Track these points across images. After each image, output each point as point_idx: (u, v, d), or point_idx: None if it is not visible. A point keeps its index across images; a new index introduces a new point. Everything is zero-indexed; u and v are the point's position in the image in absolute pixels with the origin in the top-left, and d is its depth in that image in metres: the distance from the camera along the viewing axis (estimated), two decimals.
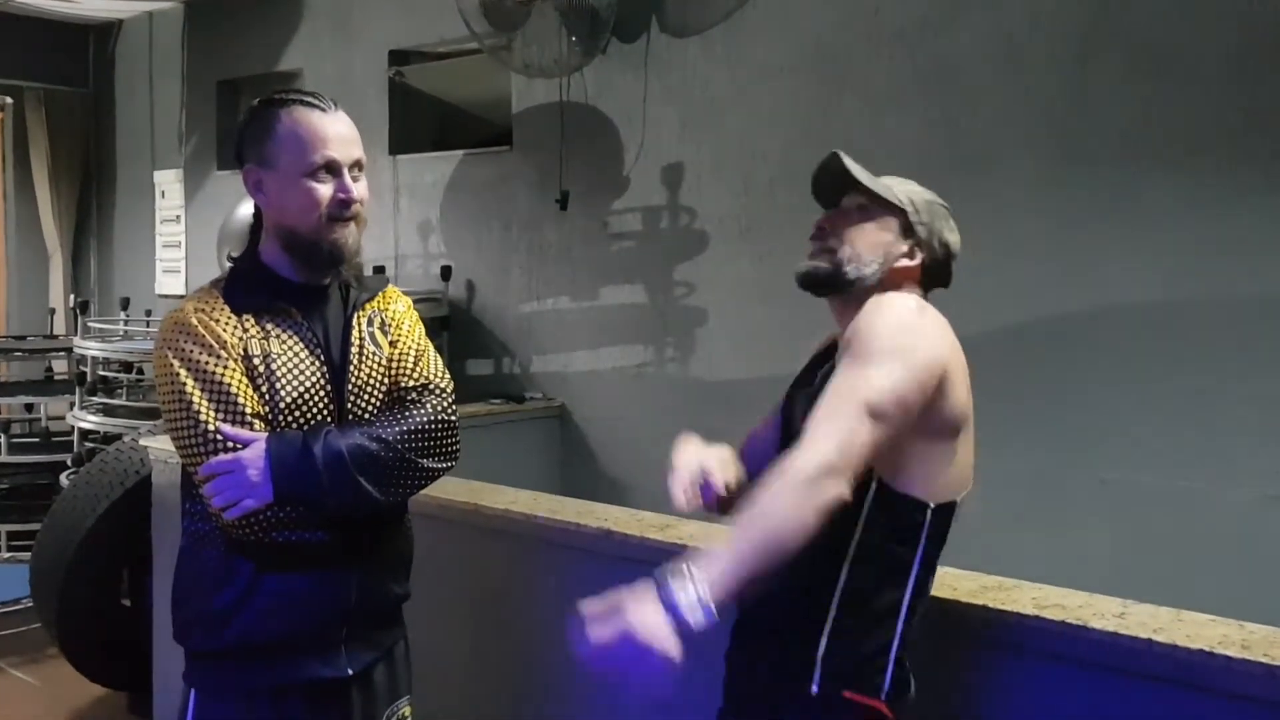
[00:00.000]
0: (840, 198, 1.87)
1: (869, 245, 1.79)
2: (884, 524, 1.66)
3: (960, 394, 1.67)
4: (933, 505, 1.68)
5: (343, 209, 1.90)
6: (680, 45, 4.49)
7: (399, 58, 5.61)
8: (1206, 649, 1.65)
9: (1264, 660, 1.61)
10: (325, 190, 1.88)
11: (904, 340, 1.61)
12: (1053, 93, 3.61)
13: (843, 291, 1.79)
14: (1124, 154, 3.47)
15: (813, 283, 1.81)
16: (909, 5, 3.90)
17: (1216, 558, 3.29)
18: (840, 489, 1.50)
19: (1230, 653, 1.63)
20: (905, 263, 1.80)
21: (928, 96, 3.86)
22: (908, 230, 1.80)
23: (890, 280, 1.78)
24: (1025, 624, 1.83)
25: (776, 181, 4.20)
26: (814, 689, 1.65)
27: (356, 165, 1.93)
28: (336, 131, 1.90)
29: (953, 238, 1.85)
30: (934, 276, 1.84)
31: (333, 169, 1.89)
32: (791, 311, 3.84)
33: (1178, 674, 1.68)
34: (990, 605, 1.88)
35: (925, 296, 1.81)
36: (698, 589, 1.40)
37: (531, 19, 4.44)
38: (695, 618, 1.38)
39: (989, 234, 3.71)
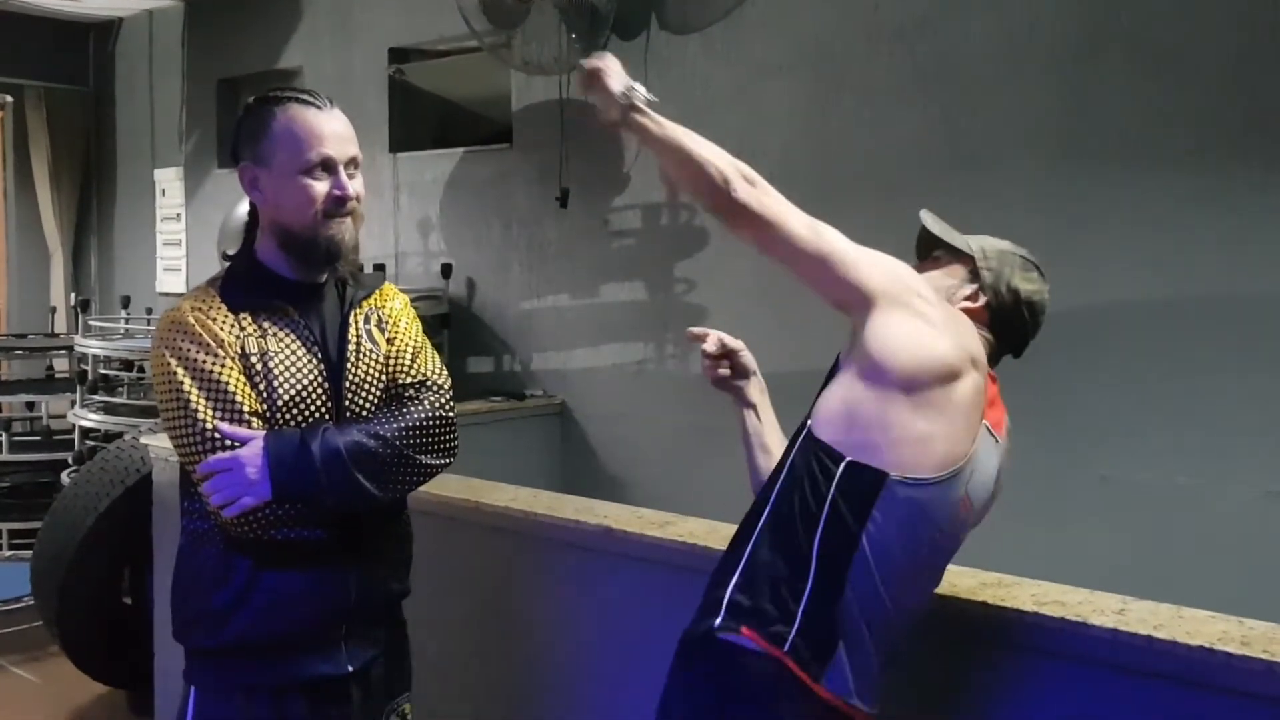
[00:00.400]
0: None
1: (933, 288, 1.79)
2: (839, 485, 1.60)
3: (940, 353, 1.63)
4: (893, 475, 1.59)
5: (339, 205, 1.90)
6: (680, 43, 4.49)
7: (399, 55, 5.61)
8: (1206, 645, 1.65)
9: (1264, 657, 1.61)
10: (321, 187, 1.88)
11: (913, 285, 1.69)
12: (1053, 91, 3.60)
13: None
14: (1124, 153, 3.47)
15: None
16: (908, 3, 3.89)
17: (1216, 554, 3.29)
18: (746, 190, 1.74)
19: (1230, 649, 1.63)
20: (967, 304, 1.82)
21: (927, 95, 3.85)
22: (974, 275, 1.86)
23: None
24: (1025, 621, 1.83)
25: (776, 179, 4.12)
26: (715, 623, 1.60)
27: (352, 162, 1.93)
28: (332, 129, 1.90)
29: (1027, 286, 1.87)
30: (1006, 324, 1.85)
31: (328, 166, 1.89)
32: (791, 309, 3.85)
33: (1178, 671, 1.68)
34: (990, 602, 1.88)
35: (994, 354, 1.83)
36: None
37: (531, 16, 4.44)
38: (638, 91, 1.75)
39: (987, 230, 3.71)
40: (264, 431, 1.84)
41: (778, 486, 1.67)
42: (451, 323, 5.15)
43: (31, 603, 4.31)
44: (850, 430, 1.62)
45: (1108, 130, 3.50)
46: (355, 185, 1.93)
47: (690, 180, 1.74)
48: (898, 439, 1.59)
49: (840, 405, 1.65)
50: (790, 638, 1.56)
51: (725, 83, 4.36)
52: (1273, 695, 1.60)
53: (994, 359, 1.83)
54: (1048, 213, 3.61)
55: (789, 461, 1.68)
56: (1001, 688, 1.90)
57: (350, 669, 1.96)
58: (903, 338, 1.62)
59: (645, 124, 1.75)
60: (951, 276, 1.87)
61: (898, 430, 1.60)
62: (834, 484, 1.59)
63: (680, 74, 4.49)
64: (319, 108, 1.90)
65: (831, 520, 1.59)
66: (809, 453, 1.64)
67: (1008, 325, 1.85)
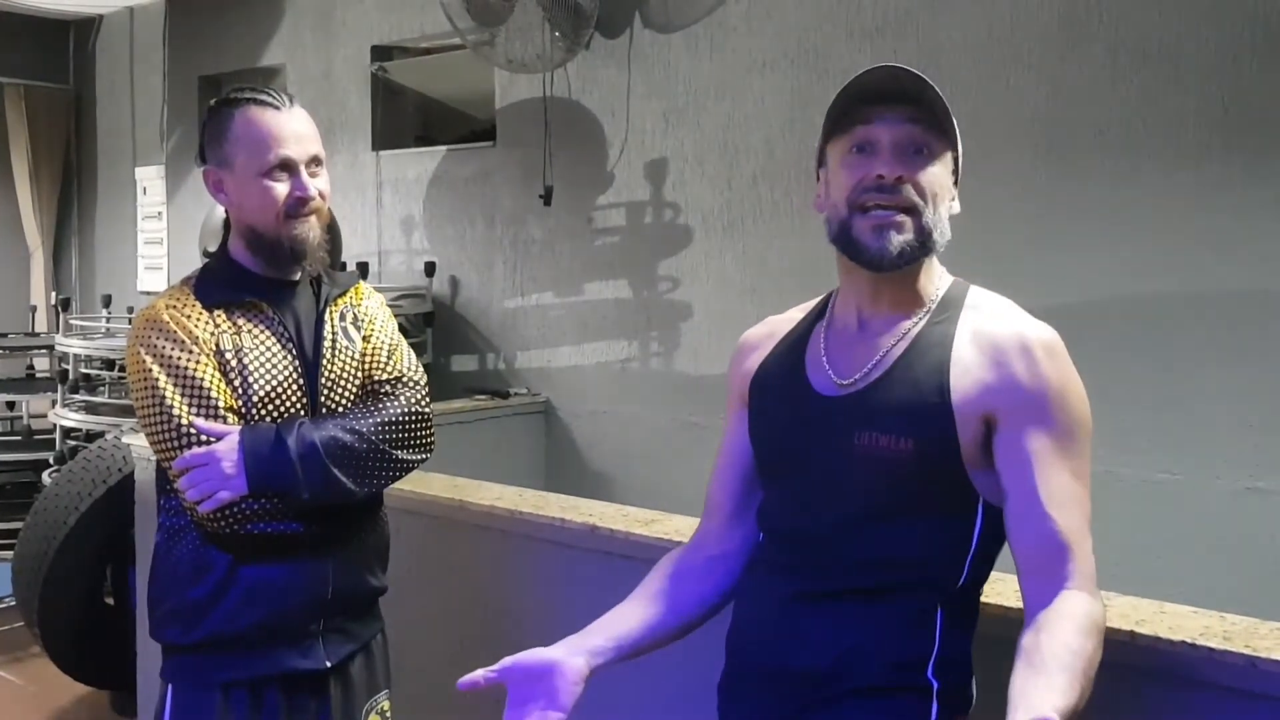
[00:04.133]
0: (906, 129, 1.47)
1: (944, 200, 1.50)
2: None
3: None
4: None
5: (299, 206, 1.90)
6: (663, 40, 4.49)
7: (382, 53, 5.59)
8: (1189, 641, 1.66)
9: (1245, 651, 1.61)
10: (281, 189, 1.89)
11: (1087, 410, 1.49)
12: (1035, 87, 3.61)
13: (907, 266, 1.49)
14: (1104, 148, 3.48)
15: (901, 264, 1.47)
16: None
17: (1196, 549, 3.30)
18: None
19: (1213, 644, 1.64)
20: (955, 207, 1.53)
21: None
22: (956, 164, 1.53)
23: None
24: (1009, 618, 1.83)
25: (760, 176, 4.20)
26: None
27: (314, 161, 1.93)
28: (292, 129, 1.90)
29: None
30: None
31: (288, 167, 1.89)
32: (776, 305, 3.85)
33: (1159, 666, 1.69)
34: None
35: None
36: None
37: (514, 14, 4.43)
38: None
39: (968, 227, 3.72)
40: (240, 427, 1.84)
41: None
42: (435, 321, 5.14)
43: (12, 603, 4.29)
44: None
45: (1089, 125, 3.51)
46: (318, 184, 1.93)
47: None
48: None
49: None
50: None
51: (709, 80, 4.36)
52: (1254, 690, 1.61)
53: None
54: (1030, 208, 3.62)
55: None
56: (982, 684, 1.90)
57: (329, 664, 1.96)
58: None
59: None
60: (947, 175, 1.52)
61: None
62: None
63: (664, 72, 4.49)
64: (277, 108, 1.90)
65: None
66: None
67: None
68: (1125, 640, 1.70)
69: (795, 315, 1.69)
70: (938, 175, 1.49)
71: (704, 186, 4.38)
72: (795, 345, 1.62)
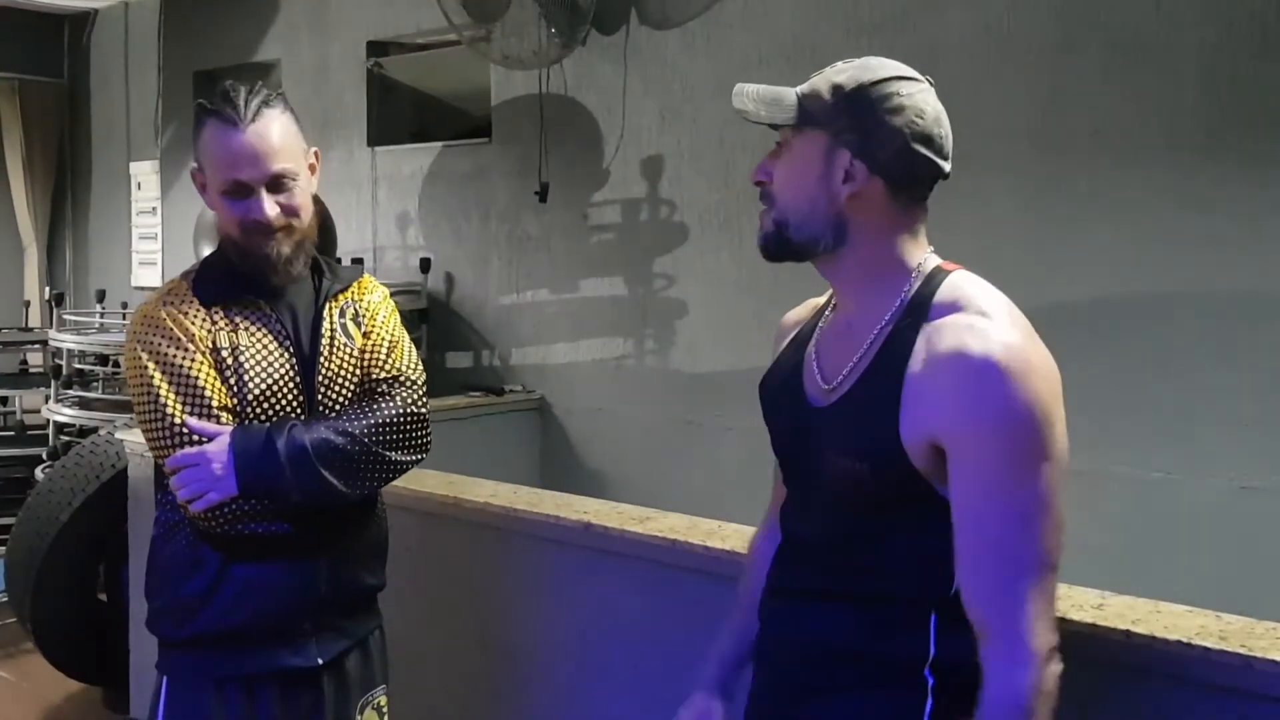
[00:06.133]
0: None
1: (797, 188, 1.45)
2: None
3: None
4: None
5: (256, 228, 1.86)
6: (660, 37, 4.48)
7: (377, 49, 5.58)
8: (1184, 640, 1.66)
9: (1241, 651, 1.61)
10: (238, 210, 1.86)
11: (1045, 426, 1.31)
12: (1031, 85, 3.61)
13: (811, 258, 1.48)
14: (1101, 147, 3.48)
15: (770, 255, 1.51)
16: None
17: (1190, 549, 3.31)
18: (1061, 664, 1.32)
19: (1208, 644, 1.64)
20: (849, 188, 1.41)
21: None
22: (836, 141, 1.42)
23: (861, 219, 1.44)
24: None
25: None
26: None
27: (279, 178, 1.86)
28: (248, 151, 1.83)
29: (897, 118, 1.40)
30: (909, 175, 1.43)
31: (244, 190, 1.85)
32: (772, 303, 3.84)
33: (1155, 665, 1.69)
34: None
35: (917, 208, 1.46)
36: None
37: (510, 10, 4.42)
38: None
39: (964, 226, 3.72)
40: (231, 427, 1.84)
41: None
42: (430, 317, 5.13)
43: (5, 599, 4.28)
44: None
45: (1085, 123, 3.51)
46: (285, 198, 1.87)
47: None
48: None
49: None
50: None
51: (705, 76, 4.35)
52: (1250, 690, 1.61)
53: (926, 198, 1.47)
54: (1025, 207, 3.62)
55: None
56: None
57: (320, 661, 1.96)
58: None
59: None
60: (810, 156, 1.44)
61: None
62: None
63: (660, 68, 4.48)
64: (235, 125, 1.83)
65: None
66: None
67: (909, 176, 1.43)
68: (1120, 640, 1.70)
69: (821, 301, 1.66)
70: (786, 165, 1.47)
71: (700, 183, 4.37)
72: (800, 344, 1.61)
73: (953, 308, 1.39)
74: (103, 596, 4.08)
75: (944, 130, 1.44)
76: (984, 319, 1.36)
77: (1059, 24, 3.55)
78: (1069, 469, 1.35)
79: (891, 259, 1.45)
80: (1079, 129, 3.52)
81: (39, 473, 4.89)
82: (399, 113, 5.67)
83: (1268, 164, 3.20)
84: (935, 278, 1.44)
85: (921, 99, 1.42)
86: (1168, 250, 3.37)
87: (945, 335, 1.36)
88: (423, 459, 2.00)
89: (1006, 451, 1.30)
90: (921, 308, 1.41)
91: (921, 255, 1.46)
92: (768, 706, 1.56)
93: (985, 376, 1.31)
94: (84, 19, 7.44)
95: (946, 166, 1.45)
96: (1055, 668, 1.32)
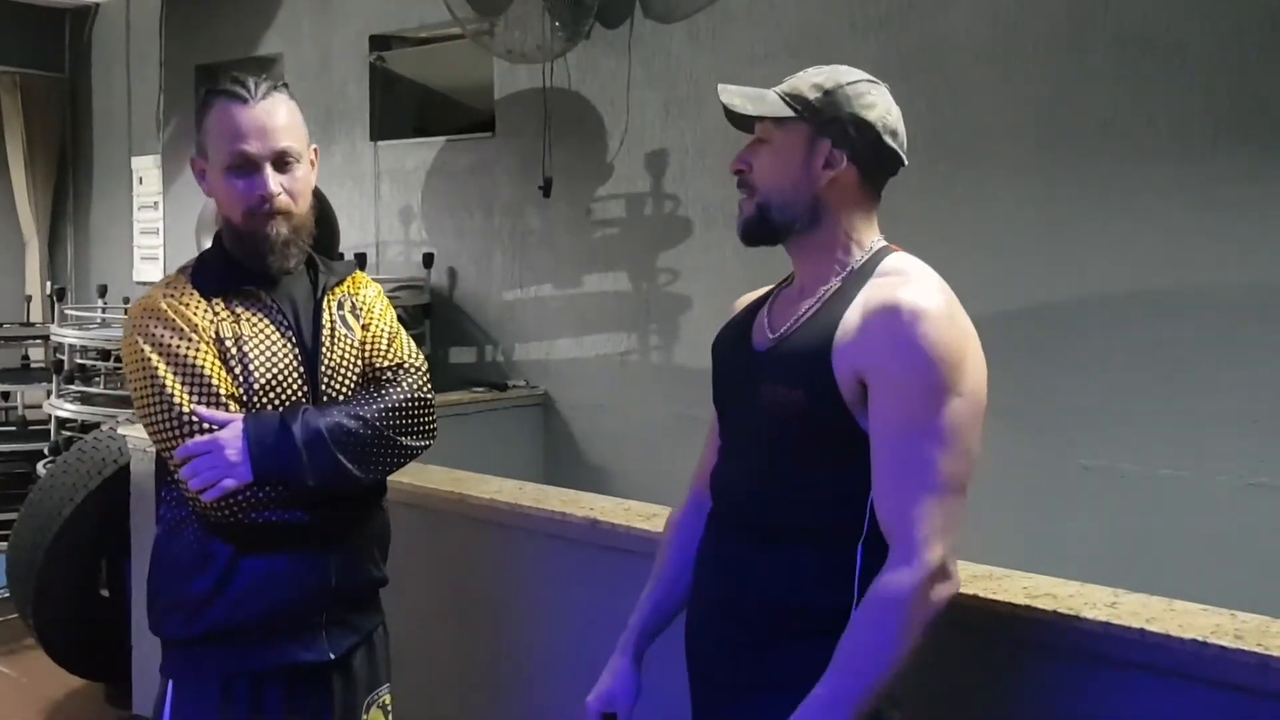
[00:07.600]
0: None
1: (780, 174, 1.64)
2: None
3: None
4: None
5: (261, 205, 1.85)
6: (664, 31, 4.46)
7: (380, 42, 5.57)
8: (1199, 639, 1.64)
9: (1257, 650, 1.60)
10: (244, 186, 1.85)
11: (955, 366, 1.48)
12: (1038, 80, 3.59)
13: (785, 239, 1.66)
14: (1109, 142, 3.47)
15: (751, 238, 1.68)
16: None
17: (1198, 546, 3.30)
18: (954, 586, 1.46)
19: (1224, 643, 1.62)
20: (829, 174, 1.61)
21: (911, 83, 3.83)
22: (818, 133, 1.62)
23: (834, 202, 1.62)
24: (1017, 614, 1.82)
25: None
26: None
27: (284, 156, 1.86)
28: (256, 124, 1.84)
29: (870, 113, 1.61)
30: (876, 165, 1.64)
31: (250, 163, 1.84)
32: None
33: (1170, 664, 1.67)
34: (981, 594, 1.86)
35: (878, 195, 1.66)
36: None
37: (514, 3, 4.40)
38: None
39: (972, 221, 3.71)
40: (242, 414, 1.82)
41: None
42: (433, 312, 5.11)
43: (6, 595, 4.27)
44: None
45: (1092, 118, 3.49)
46: (288, 180, 1.87)
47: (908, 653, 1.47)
48: None
49: None
50: None
51: (709, 71, 4.34)
52: (1266, 689, 1.59)
53: (880, 192, 1.68)
54: (1031, 201, 3.61)
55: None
56: (993, 681, 1.88)
57: (332, 655, 1.94)
58: None
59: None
60: (793, 146, 1.63)
61: None
62: None
63: (664, 62, 4.46)
64: (244, 100, 1.84)
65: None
66: None
67: (877, 165, 1.64)
68: (1135, 638, 1.69)
69: (772, 287, 1.83)
70: (769, 155, 1.67)
71: (705, 178, 4.35)
72: (755, 306, 1.77)
73: (891, 275, 1.59)
74: (105, 592, 4.07)
75: (903, 128, 1.67)
76: (916, 282, 1.55)
77: (1067, 19, 3.53)
78: (983, 411, 1.52)
79: (851, 238, 1.64)
80: (1086, 124, 3.50)
81: (41, 468, 4.89)
82: (402, 107, 5.65)
83: (1276, 161, 3.19)
84: (881, 255, 1.64)
85: (888, 100, 1.66)
86: (1175, 246, 3.36)
87: (879, 290, 1.56)
88: (430, 445, 2.00)
89: (919, 385, 1.47)
90: (865, 275, 1.61)
91: (874, 237, 1.66)
92: (711, 667, 1.67)
93: (905, 320, 1.49)
94: (85, 13, 7.42)
95: (905, 160, 1.67)
96: (946, 584, 1.46)
